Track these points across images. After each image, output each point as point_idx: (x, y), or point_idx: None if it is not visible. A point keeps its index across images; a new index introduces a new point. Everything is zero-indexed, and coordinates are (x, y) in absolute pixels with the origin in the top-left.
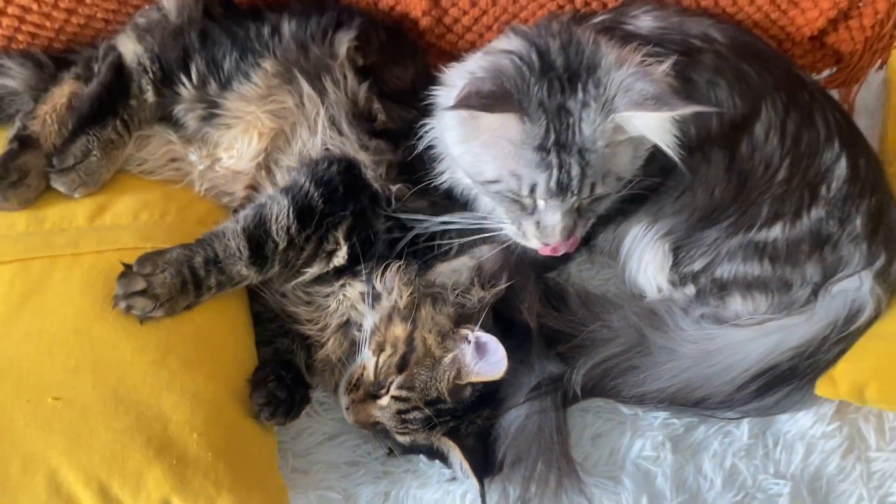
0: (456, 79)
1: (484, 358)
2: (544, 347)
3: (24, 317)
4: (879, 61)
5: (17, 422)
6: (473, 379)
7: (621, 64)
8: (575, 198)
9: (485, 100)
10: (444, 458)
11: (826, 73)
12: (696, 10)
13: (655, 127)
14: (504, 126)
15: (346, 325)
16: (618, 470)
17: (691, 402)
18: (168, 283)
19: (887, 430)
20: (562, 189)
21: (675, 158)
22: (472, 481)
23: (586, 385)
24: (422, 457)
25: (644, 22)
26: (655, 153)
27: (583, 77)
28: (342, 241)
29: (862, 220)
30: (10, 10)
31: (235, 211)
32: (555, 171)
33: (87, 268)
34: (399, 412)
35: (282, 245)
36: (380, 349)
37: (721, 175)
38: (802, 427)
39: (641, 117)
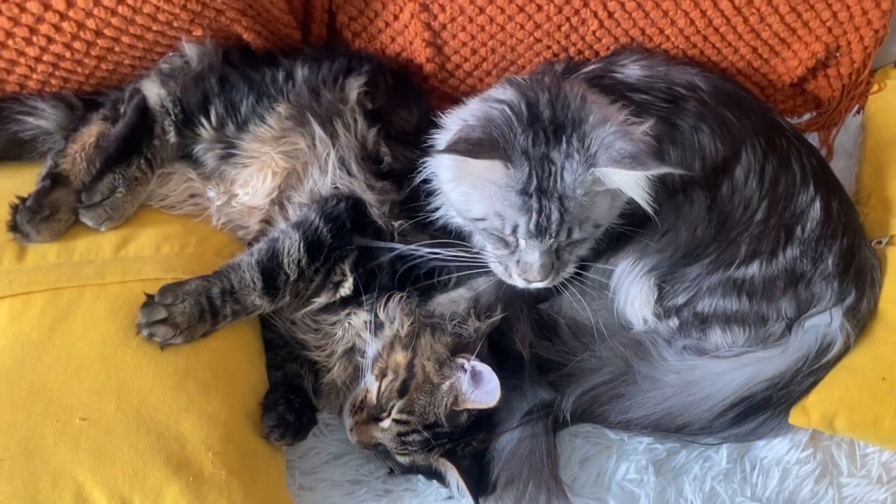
0: (451, 124)
1: (479, 387)
2: (536, 375)
3: (55, 342)
4: (857, 106)
5: (47, 440)
6: (469, 406)
7: (605, 121)
8: (553, 240)
9: (472, 146)
10: (441, 478)
11: (806, 117)
12: (681, 60)
13: (631, 183)
14: (490, 170)
15: (351, 351)
16: (604, 492)
17: (673, 429)
18: (187, 313)
19: (858, 458)
20: (540, 231)
21: (649, 211)
22: (468, 500)
23: (575, 411)
24: (420, 477)
25: (632, 71)
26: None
27: (567, 130)
28: (348, 273)
29: (834, 260)
30: (45, 57)
31: (250, 244)
32: (534, 215)
33: (113, 297)
34: (399, 434)
35: (293, 277)
36: (382, 375)
37: (703, 215)
38: (778, 453)
39: (619, 173)
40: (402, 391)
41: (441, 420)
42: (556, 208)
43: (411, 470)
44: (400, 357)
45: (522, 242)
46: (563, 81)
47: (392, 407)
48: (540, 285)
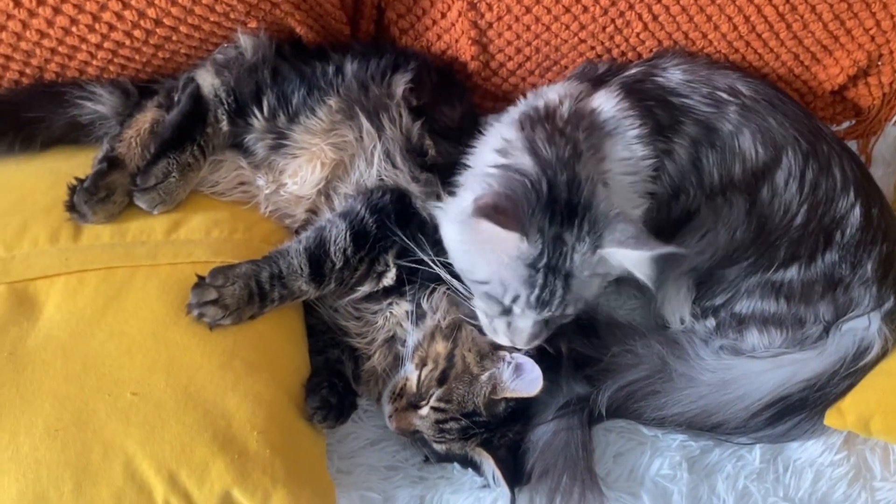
0: (472, 182)
1: (521, 376)
2: (573, 370)
3: (108, 319)
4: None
5: (99, 413)
6: (509, 395)
7: (609, 206)
8: (549, 313)
9: (500, 216)
10: (476, 467)
11: (845, 124)
12: (724, 64)
13: (635, 261)
14: (506, 240)
15: (392, 340)
16: (637, 486)
17: (707, 427)
18: (237, 295)
19: (892, 462)
20: (541, 304)
21: (651, 287)
22: (503, 489)
23: (610, 406)
24: (456, 465)
25: (674, 74)
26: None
27: (580, 214)
28: (391, 264)
29: (873, 266)
30: (106, 44)
31: (297, 232)
32: (538, 290)
33: (164, 277)
34: (437, 422)
35: (338, 265)
36: (422, 364)
37: (742, 218)
38: (812, 455)
39: (624, 254)
40: (442, 380)
41: (479, 409)
42: (560, 286)
43: (447, 458)
44: (440, 347)
45: (517, 310)
46: (575, 159)
47: (431, 395)
48: (525, 346)
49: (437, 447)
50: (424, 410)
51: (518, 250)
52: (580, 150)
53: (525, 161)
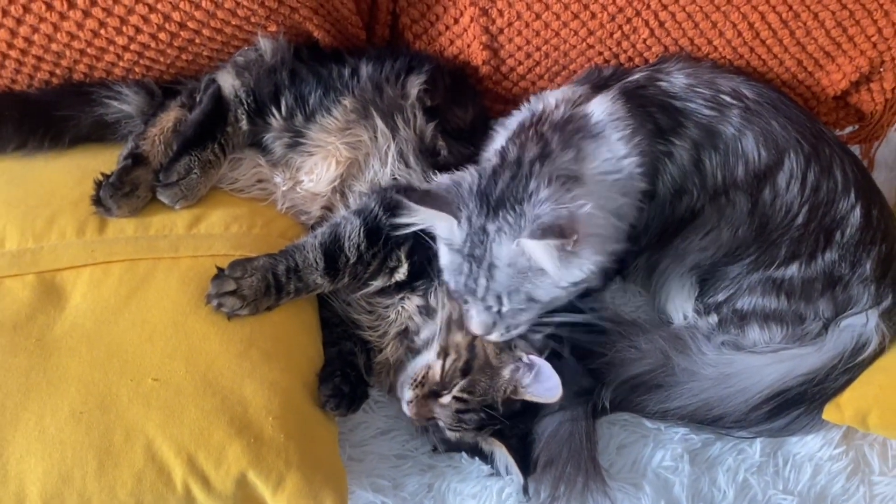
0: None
1: (540, 382)
2: (578, 362)
3: (131, 308)
4: None
5: (121, 397)
6: (528, 398)
7: (546, 199)
8: (481, 303)
9: (431, 200)
10: (484, 456)
11: (848, 129)
12: (728, 68)
13: (541, 255)
14: (445, 226)
15: (404, 333)
16: (639, 477)
17: (709, 420)
18: (254, 286)
19: (890, 457)
20: (468, 291)
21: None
22: (510, 477)
23: (614, 399)
24: (463, 454)
25: (677, 79)
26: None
27: (506, 206)
28: (404, 259)
29: (872, 265)
30: (132, 46)
31: (312, 228)
32: (462, 277)
33: (185, 269)
34: (458, 411)
35: (352, 259)
36: (444, 353)
37: (744, 217)
38: (811, 449)
39: (530, 244)
40: (466, 371)
41: (497, 404)
42: (483, 275)
43: (456, 447)
44: (459, 338)
45: (466, 299)
46: (537, 162)
47: (455, 385)
48: (494, 339)
49: (450, 435)
50: (446, 399)
51: (451, 234)
52: (549, 150)
53: (490, 161)
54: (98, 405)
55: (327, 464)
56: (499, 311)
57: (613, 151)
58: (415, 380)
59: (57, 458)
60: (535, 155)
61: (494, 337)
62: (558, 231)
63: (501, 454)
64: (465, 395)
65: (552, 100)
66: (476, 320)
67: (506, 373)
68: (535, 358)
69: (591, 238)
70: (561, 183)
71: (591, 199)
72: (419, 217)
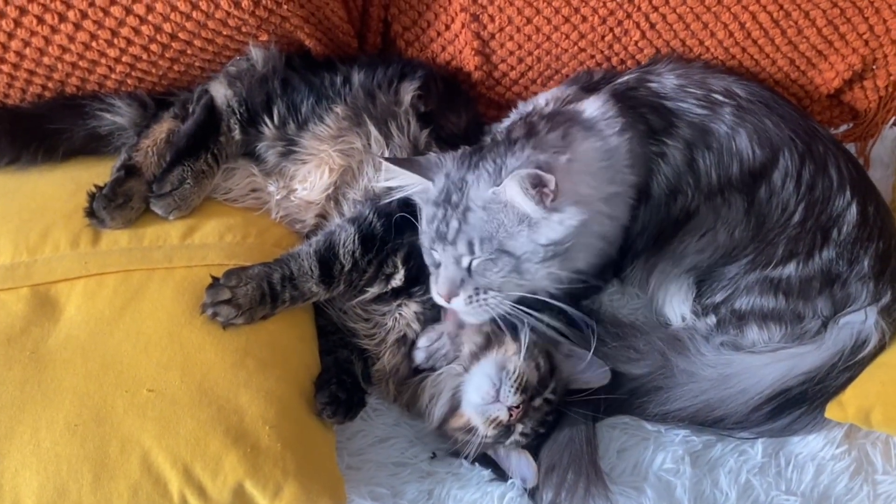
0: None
1: (591, 368)
2: None
3: (125, 320)
4: (893, 118)
5: (117, 409)
6: (583, 385)
7: (528, 154)
8: (452, 247)
9: (406, 163)
10: (484, 462)
11: (843, 127)
12: (719, 68)
13: (517, 193)
14: (422, 188)
15: (401, 340)
16: (641, 481)
17: (710, 422)
18: (249, 295)
19: (893, 456)
20: (441, 236)
21: (562, 238)
22: (512, 482)
23: (614, 403)
24: (464, 461)
25: (668, 80)
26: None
27: (487, 159)
28: (400, 266)
29: (869, 262)
30: (124, 58)
31: (307, 236)
32: (436, 222)
33: (179, 280)
34: (546, 413)
35: (347, 267)
36: (532, 357)
37: (741, 217)
38: (813, 449)
39: (507, 183)
40: (552, 369)
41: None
42: (456, 217)
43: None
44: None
45: (436, 254)
46: (523, 138)
47: (548, 386)
48: (456, 305)
49: (519, 440)
50: (538, 401)
51: (426, 193)
52: (536, 130)
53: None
54: (93, 417)
55: (325, 472)
56: (468, 267)
57: (604, 141)
58: (519, 383)
59: (52, 471)
60: (522, 133)
61: (461, 301)
62: (535, 174)
63: (521, 461)
64: (552, 397)
65: (542, 100)
66: (443, 276)
67: (565, 367)
68: (581, 352)
69: (571, 190)
70: (546, 146)
71: (576, 166)
72: (397, 180)
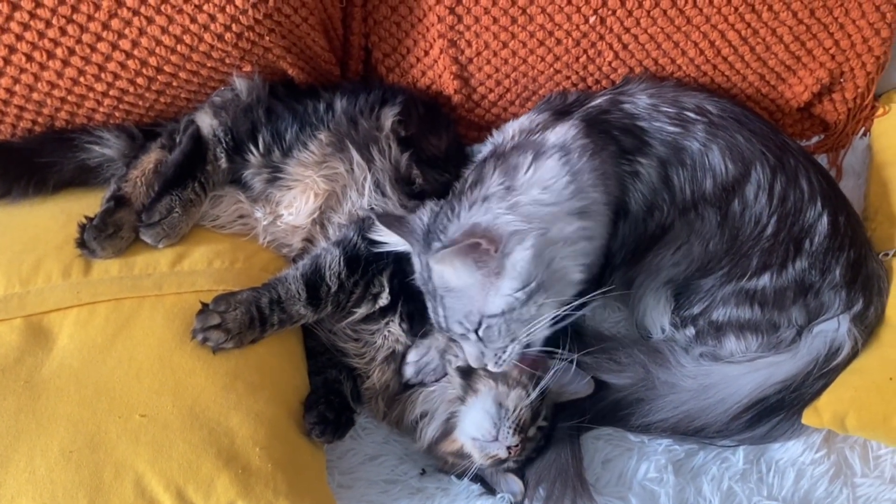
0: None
1: (575, 381)
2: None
3: (117, 347)
4: (863, 129)
5: (110, 434)
6: (570, 398)
7: (460, 219)
8: (452, 332)
9: (395, 224)
10: (473, 477)
11: (815, 139)
12: (691, 86)
13: (446, 270)
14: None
15: (391, 358)
16: (626, 490)
17: (691, 431)
18: (239, 320)
19: (871, 459)
20: (439, 326)
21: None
22: (501, 496)
23: (598, 415)
24: (453, 478)
25: (641, 100)
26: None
27: (436, 236)
28: (386, 285)
29: (841, 271)
30: (111, 92)
31: (294, 260)
32: (430, 311)
33: (169, 306)
34: (539, 440)
35: (333, 288)
36: (516, 386)
37: (714, 231)
38: (793, 454)
39: (434, 265)
40: (542, 398)
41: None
42: (439, 304)
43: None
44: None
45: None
46: (466, 191)
47: (540, 414)
48: (493, 369)
49: (511, 465)
50: (532, 431)
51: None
52: (482, 175)
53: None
54: (87, 443)
55: (315, 491)
56: (478, 338)
57: (562, 162)
58: (518, 423)
59: (48, 497)
60: (469, 183)
61: (491, 366)
62: (459, 241)
63: (513, 481)
64: (545, 424)
65: (510, 131)
66: (467, 352)
67: (553, 385)
68: (561, 366)
69: (510, 236)
70: (482, 201)
71: (519, 202)
72: (386, 237)
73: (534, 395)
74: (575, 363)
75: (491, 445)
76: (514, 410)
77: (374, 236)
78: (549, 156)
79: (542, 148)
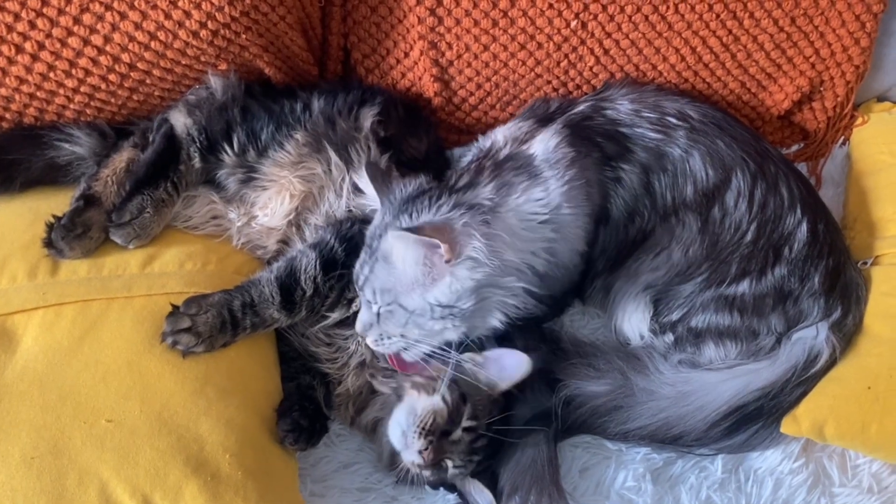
0: None
1: (507, 367)
2: (539, 385)
3: (84, 349)
4: (842, 138)
5: (75, 440)
6: (506, 386)
7: (437, 213)
8: (362, 293)
9: (377, 176)
10: (448, 486)
11: (795, 147)
12: (672, 91)
13: (399, 249)
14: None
15: (364, 364)
16: (603, 499)
17: (669, 439)
18: (210, 323)
19: (849, 468)
20: (355, 278)
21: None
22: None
23: (575, 422)
24: (427, 487)
25: (622, 105)
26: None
27: (408, 211)
28: None
29: (820, 278)
30: (82, 88)
31: (269, 262)
32: (359, 266)
33: (138, 309)
34: (471, 442)
35: (308, 292)
36: (428, 393)
37: (695, 236)
38: (772, 463)
39: (395, 235)
40: (464, 397)
41: (494, 414)
42: (368, 264)
43: (441, 485)
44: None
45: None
46: (461, 190)
47: (462, 416)
48: (370, 344)
49: (458, 472)
50: (457, 434)
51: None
52: (478, 180)
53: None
54: (50, 449)
55: (287, 500)
56: (377, 312)
57: (546, 193)
58: (423, 427)
59: None
60: (463, 183)
61: (369, 340)
62: (425, 232)
63: (477, 487)
64: (473, 423)
65: (500, 137)
66: (361, 315)
67: (482, 377)
68: (489, 353)
69: (467, 259)
70: (466, 208)
71: (495, 230)
72: (365, 189)
73: (436, 397)
74: (499, 353)
75: (406, 453)
76: (419, 415)
77: (360, 182)
78: (537, 183)
79: (534, 170)
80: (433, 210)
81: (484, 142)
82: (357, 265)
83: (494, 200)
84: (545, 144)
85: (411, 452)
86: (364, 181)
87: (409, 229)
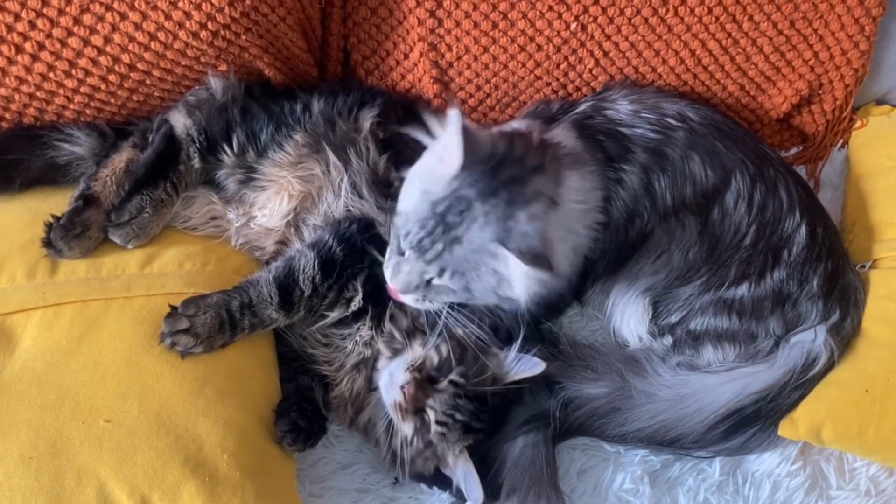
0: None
1: (522, 360)
2: (538, 386)
3: (83, 350)
4: (841, 141)
5: (73, 440)
6: (518, 377)
7: (533, 218)
8: (425, 265)
9: (468, 134)
10: (443, 485)
11: (793, 150)
12: (672, 93)
13: (520, 277)
14: (439, 166)
15: (361, 364)
16: (601, 501)
17: (667, 442)
18: (208, 324)
19: (847, 471)
20: (419, 249)
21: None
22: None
23: (573, 424)
24: (423, 486)
25: (622, 106)
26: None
27: (500, 197)
28: (360, 289)
29: (819, 282)
30: (82, 89)
31: (267, 263)
32: (423, 233)
33: (137, 309)
34: (455, 395)
35: (307, 293)
36: (439, 345)
37: (695, 239)
38: (769, 466)
39: (516, 263)
40: (460, 361)
41: (487, 397)
42: (443, 242)
43: (418, 478)
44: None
45: (407, 252)
46: (533, 173)
47: (452, 370)
48: (403, 298)
49: (439, 430)
50: (443, 384)
51: (436, 185)
52: (542, 164)
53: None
54: (48, 449)
55: (285, 500)
56: (429, 281)
57: (586, 182)
58: (412, 364)
59: None
60: (534, 165)
61: (408, 299)
62: (546, 263)
63: (467, 472)
64: (460, 380)
65: (519, 125)
66: (403, 275)
67: (492, 362)
68: (509, 351)
69: (558, 274)
70: (546, 204)
71: (561, 231)
72: (434, 136)
73: (429, 348)
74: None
75: (389, 392)
76: (409, 359)
77: (410, 130)
78: (574, 169)
79: (565, 156)
80: (523, 207)
81: (505, 128)
82: (419, 229)
83: (555, 192)
84: (568, 138)
85: (394, 389)
86: (437, 129)
87: (534, 262)
